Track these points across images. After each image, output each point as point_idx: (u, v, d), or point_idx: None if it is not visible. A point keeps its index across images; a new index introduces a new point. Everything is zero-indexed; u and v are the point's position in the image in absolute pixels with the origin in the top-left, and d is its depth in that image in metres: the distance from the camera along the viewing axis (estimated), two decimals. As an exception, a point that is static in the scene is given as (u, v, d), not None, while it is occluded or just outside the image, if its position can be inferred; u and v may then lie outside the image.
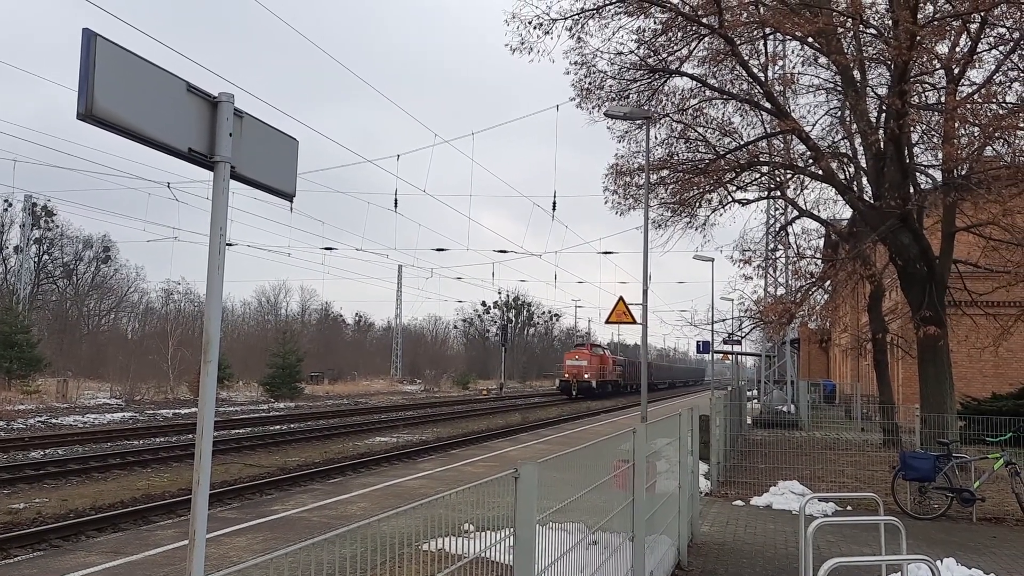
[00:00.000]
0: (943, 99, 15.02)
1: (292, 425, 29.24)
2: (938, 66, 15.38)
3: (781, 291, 24.80)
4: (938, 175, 17.19)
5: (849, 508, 12.09)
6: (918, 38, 13.02)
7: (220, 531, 9.70)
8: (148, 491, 14.38)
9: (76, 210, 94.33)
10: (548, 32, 15.97)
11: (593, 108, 17.28)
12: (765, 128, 18.60)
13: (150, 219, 68.58)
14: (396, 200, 29.33)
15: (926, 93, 16.93)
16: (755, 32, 16.35)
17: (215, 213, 3.47)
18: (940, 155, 15.72)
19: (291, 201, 4.28)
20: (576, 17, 16.04)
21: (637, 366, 71.78)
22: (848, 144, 18.74)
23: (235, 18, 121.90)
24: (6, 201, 63.31)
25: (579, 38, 16.44)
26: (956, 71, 14.84)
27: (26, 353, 39.28)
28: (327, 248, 48.33)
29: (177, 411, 33.47)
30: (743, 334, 30.29)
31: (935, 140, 16.73)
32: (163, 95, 3.24)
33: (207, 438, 3.33)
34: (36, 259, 66.12)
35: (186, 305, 69.44)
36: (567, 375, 58.36)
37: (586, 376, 57.33)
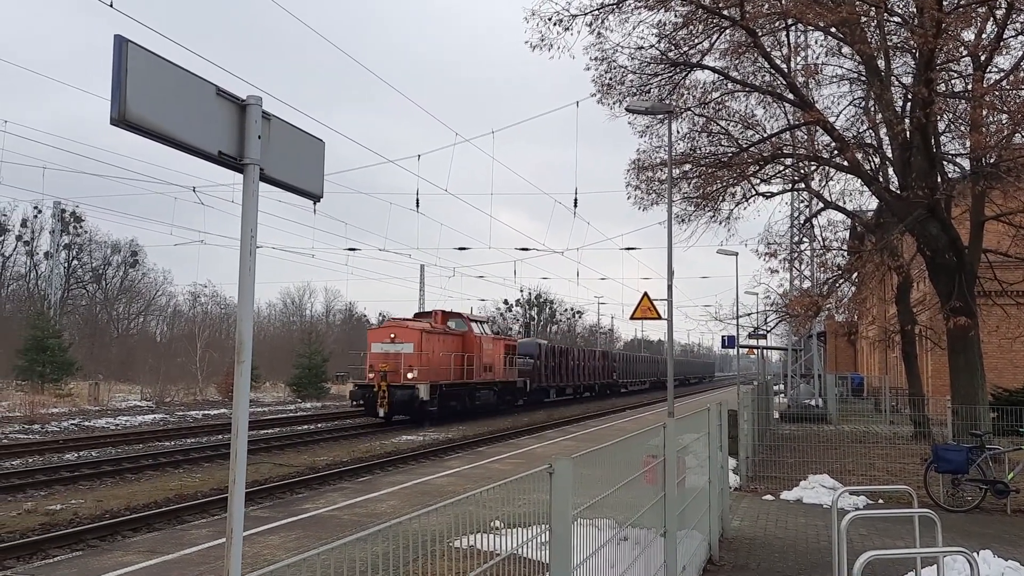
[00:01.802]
0: (970, 87, 14.80)
1: (319, 424, 29.46)
2: (964, 53, 15.15)
3: (807, 284, 24.57)
4: (966, 164, 16.96)
5: (880, 501, 11.99)
6: (944, 25, 12.84)
7: (254, 530, 9.81)
8: (181, 491, 14.55)
9: (104, 215, 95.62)
10: (568, 28, 15.95)
11: (614, 103, 17.24)
12: (788, 120, 18.44)
13: (177, 223, 69.18)
14: (418, 200, 29.32)
15: (952, 81, 16.69)
16: (777, 23, 16.21)
17: (246, 215, 3.50)
18: (968, 143, 15.50)
19: (318, 201, 4.31)
20: (596, 12, 15.99)
21: (564, 354, 45.09)
22: (873, 134, 18.52)
23: (241, 18, 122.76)
24: (36, 208, 64.62)
25: (599, 33, 16.42)
26: (983, 58, 14.61)
27: (58, 357, 39.93)
28: (350, 249, 48.44)
29: (206, 412, 33.85)
30: (768, 328, 30.01)
31: (962, 128, 16.49)
32: (193, 99, 3.27)
33: (242, 438, 3.36)
34: (66, 264, 67.22)
35: (213, 308, 70.13)
36: (371, 374, 28.64)
37: (410, 376, 28.16)
